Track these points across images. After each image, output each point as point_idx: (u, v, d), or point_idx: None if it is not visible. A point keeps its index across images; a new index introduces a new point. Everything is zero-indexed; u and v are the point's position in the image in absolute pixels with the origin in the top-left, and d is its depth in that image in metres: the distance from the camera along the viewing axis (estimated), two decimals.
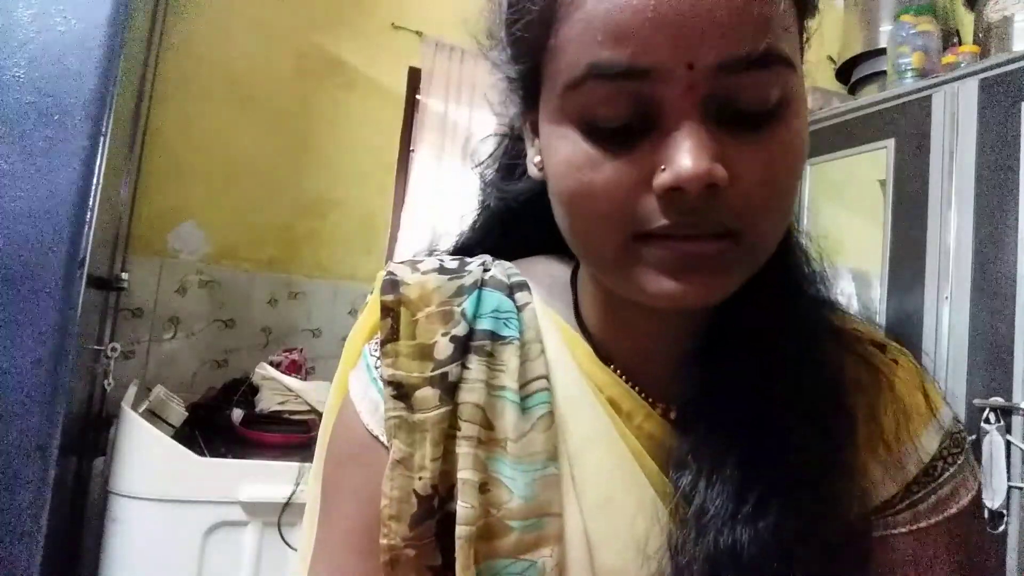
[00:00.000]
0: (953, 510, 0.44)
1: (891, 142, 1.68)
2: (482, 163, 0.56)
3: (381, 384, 0.45)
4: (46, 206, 0.95)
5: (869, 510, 0.43)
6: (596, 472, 0.44)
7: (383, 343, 0.46)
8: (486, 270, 0.50)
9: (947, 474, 0.45)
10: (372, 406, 0.46)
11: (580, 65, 0.35)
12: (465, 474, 0.42)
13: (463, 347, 0.45)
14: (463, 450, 0.43)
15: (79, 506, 1.46)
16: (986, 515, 1.25)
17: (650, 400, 0.46)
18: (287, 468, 1.38)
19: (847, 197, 1.92)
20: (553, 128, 0.39)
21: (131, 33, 1.06)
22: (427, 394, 0.44)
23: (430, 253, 0.55)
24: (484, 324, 0.47)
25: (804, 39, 0.40)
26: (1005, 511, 1.25)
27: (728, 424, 0.42)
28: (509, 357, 0.46)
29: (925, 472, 0.44)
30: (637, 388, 0.46)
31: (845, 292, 1.67)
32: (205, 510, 1.32)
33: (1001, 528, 1.25)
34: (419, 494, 0.42)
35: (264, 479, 1.35)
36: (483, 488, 0.42)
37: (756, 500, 0.40)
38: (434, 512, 0.42)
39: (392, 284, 0.47)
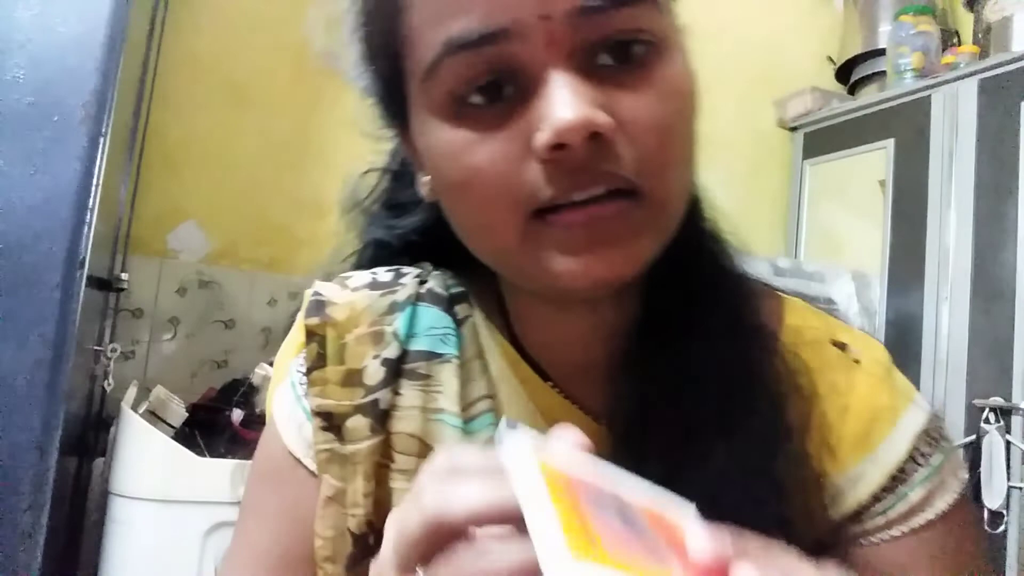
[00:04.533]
0: (930, 516, 0.39)
1: (891, 142, 1.68)
2: (363, 200, 0.53)
3: (306, 403, 0.42)
4: (46, 206, 0.95)
5: (823, 530, 0.39)
6: None
7: (309, 371, 0.42)
8: (423, 282, 0.46)
9: (915, 477, 0.40)
10: (295, 425, 0.43)
11: (435, 45, 0.33)
12: None
13: (395, 371, 0.41)
14: (398, 484, 0.40)
15: (79, 506, 1.46)
16: (986, 515, 1.25)
17: (590, 416, 0.42)
18: None
19: (847, 197, 1.92)
20: (425, 126, 0.36)
21: (131, 33, 1.06)
22: (358, 423, 0.40)
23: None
24: (419, 344, 0.43)
25: None
26: (1005, 511, 1.25)
27: (654, 437, 0.38)
28: (448, 377, 0.42)
29: (890, 479, 0.39)
30: (576, 404, 0.43)
31: (845, 292, 1.67)
32: (205, 511, 1.32)
33: (1001, 528, 1.25)
34: (353, 533, 0.39)
35: None
36: None
37: None
38: (372, 551, 0.38)
39: (318, 305, 0.43)
